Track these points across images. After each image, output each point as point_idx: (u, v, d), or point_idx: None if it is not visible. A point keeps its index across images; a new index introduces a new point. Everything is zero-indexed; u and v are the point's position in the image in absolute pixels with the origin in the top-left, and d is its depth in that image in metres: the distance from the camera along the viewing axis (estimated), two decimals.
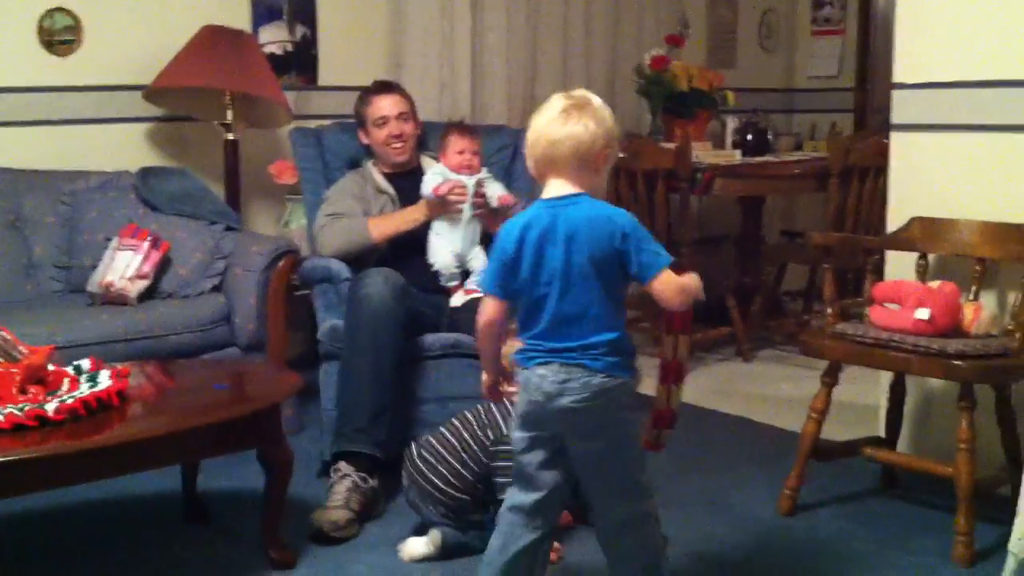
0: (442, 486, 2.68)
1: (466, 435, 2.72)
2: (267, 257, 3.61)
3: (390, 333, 3.03)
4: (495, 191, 3.43)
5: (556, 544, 2.64)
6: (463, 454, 2.70)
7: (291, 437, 2.87)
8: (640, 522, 2.22)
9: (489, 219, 3.39)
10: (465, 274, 3.42)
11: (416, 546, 2.71)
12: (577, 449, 2.18)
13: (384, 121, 3.56)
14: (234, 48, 4.06)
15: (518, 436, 2.23)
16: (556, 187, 2.18)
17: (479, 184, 3.41)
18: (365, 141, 3.65)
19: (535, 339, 2.17)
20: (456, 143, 3.45)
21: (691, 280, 2.16)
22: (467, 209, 3.38)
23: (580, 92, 2.23)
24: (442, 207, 3.37)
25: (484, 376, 2.36)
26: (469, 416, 2.75)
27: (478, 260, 3.40)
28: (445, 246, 3.38)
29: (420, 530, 2.77)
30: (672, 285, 2.13)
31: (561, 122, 2.15)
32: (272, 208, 4.52)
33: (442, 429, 2.76)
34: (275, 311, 3.63)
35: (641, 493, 2.22)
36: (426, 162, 3.63)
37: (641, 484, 2.22)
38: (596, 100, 2.20)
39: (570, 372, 2.13)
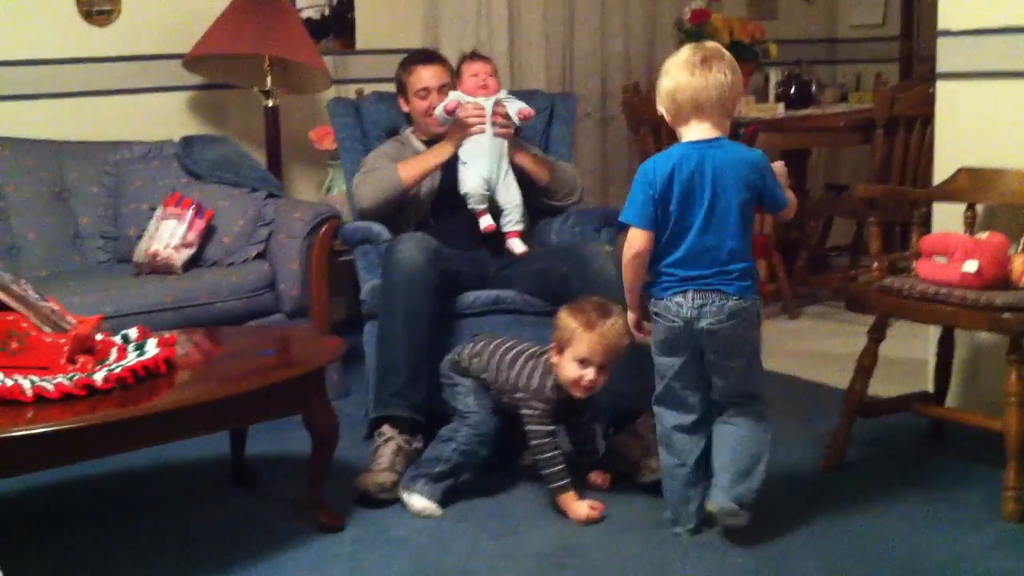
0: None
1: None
2: (309, 223, 3.63)
3: (424, 296, 3.03)
4: (514, 108, 3.38)
5: (605, 473, 2.88)
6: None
7: (337, 401, 2.90)
8: (756, 416, 2.55)
9: (512, 139, 3.38)
10: (494, 212, 3.37)
11: (426, 508, 2.77)
12: (714, 362, 2.50)
13: (426, 92, 3.53)
14: (271, 13, 4.05)
15: (664, 361, 2.55)
16: (699, 130, 2.48)
17: (498, 104, 3.37)
18: (405, 109, 3.63)
19: (671, 267, 2.49)
20: (470, 67, 3.43)
21: (793, 199, 2.61)
22: (489, 129, 3.33)
23: (712, 44, 2.54)
24: (462, 131, 3.33)
25: (630, 314, 2.63)
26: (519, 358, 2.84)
27: (510, 193, 3.36)
28: (473, 171, 3.32)
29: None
30: (793, 208, 2.60)
31: (705, 71, 2.44)
32: (313, 174, 4.53)
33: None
34: (318, 276, 3.65)
35: (760, 394, 2.57)
36: None
37: (761, 386, 2.57)
38: (726, 52, 2.50)
39: (705, 297, 2.46)
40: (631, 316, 2.64)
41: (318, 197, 4.38)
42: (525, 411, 2.77)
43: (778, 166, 2.61)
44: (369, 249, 3.41)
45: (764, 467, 2.55)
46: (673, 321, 2.49)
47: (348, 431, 2.94)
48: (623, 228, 3.58)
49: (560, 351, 2.73)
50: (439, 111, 3.38)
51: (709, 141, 2.46)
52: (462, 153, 3.36)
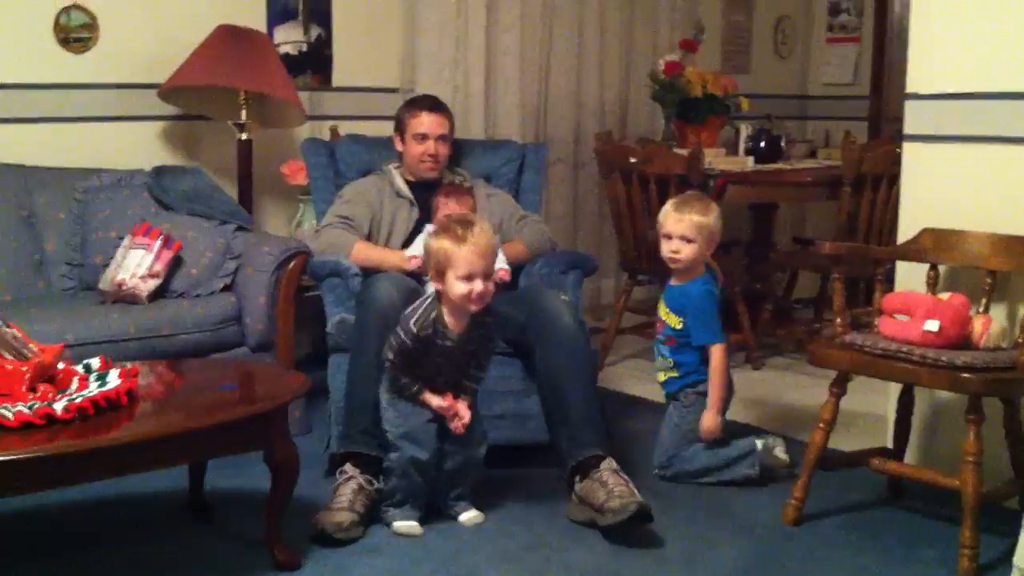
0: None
1: None
2: (278, 257, 3.62)
3: None
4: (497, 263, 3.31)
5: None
6: None
7: (298, 438, 2.88)
8: None
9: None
10: None
11: (406, 527, 2.86)
12: None
13: (424, 138, 3.60)
14: (249, 48, 4.07)
15: None
16: None
17: None
18: (399, 148, 3.69)
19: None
20: (443, 207, 3.42)
21: None
22: None
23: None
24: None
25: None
26: None
27: None
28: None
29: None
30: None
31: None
32: (285, 208, 4.53)
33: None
34: (285, 311, 3.64)
35: None
36: (447, 179, 3.66)
37: None
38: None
39: None
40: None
41: (288, 232, 4.38)
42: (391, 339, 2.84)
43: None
44: (337, 283, 3.41)
45: None
46: None
47: (308, 469, 2.92)
48: (589, 271, 3.66)
49: (441, 276, 2.78)
50: (411, 253, 3.38)
51: None
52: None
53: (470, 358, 2.92)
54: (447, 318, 2.83)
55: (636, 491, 2.86)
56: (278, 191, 4.47)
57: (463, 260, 2.74)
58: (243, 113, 4.12)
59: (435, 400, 2.86)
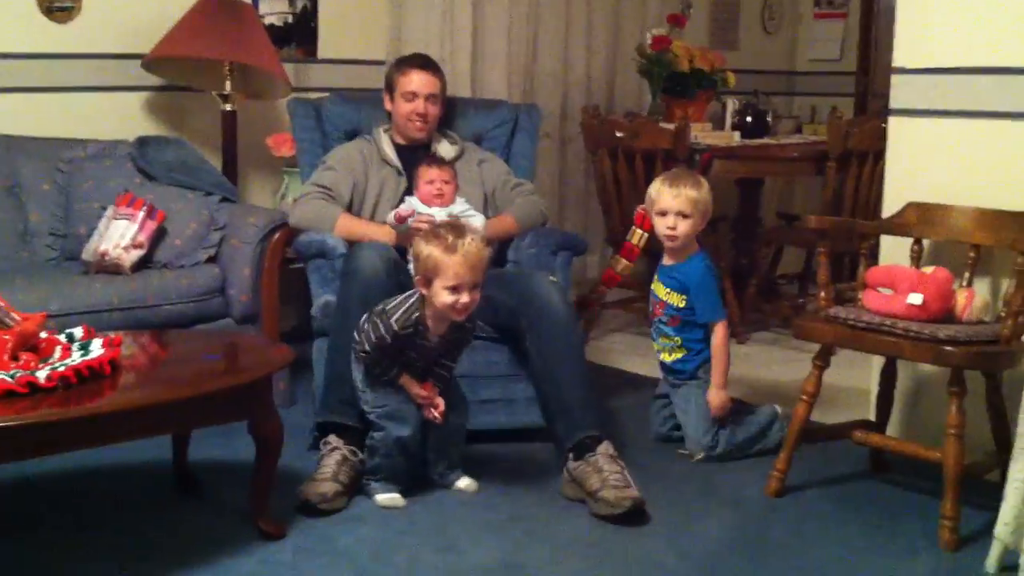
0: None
1: None
2: (263, 229, 3.61)
3: None
4: (477, 224, 3.28)
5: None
6: None
7: (283, 410, 2.88)
8: None
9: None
10: None
11: (388, 499, 2.87)
12: None
13: (413, 96, 3.54)
14: (234, 19, 4.04)
15: None
16: None
17: (452, 217, 3.26)
18: (388, 107, 3.63)
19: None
20: (425, 173, 3.37)
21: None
22: None
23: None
24: (408, 238, 3.16)
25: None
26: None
27: None
28: None
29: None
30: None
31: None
32: (269, 180, 4.51)
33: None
34: (269, 283, 3.63)
35: None
36: (437, 141, 3.61)
37: None
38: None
39: None
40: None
41: (273, 204, 4.36)
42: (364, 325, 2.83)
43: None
44: (322, 264, 3.37)
45: None
46: None
47: (293, 440, 2.92)
48: (579, 252, 3.64)
49: (428, 283, 2.75)
50: (390, 217, 3.32)
51: None
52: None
53: (444, 355, 2.92)
54: (429, 321, 2.81)
55: (631, 479, 2.86)
56: (263, 163, 4.45)
57: (451, 271, 2.71)
58: (228, 84, 4.09)
59: (414, 388, 2.87)
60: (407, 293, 2.85)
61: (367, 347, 2.82)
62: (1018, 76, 2.97)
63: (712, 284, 3.29)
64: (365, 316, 2.85)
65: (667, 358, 3.38)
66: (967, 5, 3.07)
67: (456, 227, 2.79)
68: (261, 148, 4.33)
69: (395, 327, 2.78)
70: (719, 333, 3.29)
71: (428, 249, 2.73)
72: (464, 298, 2.73)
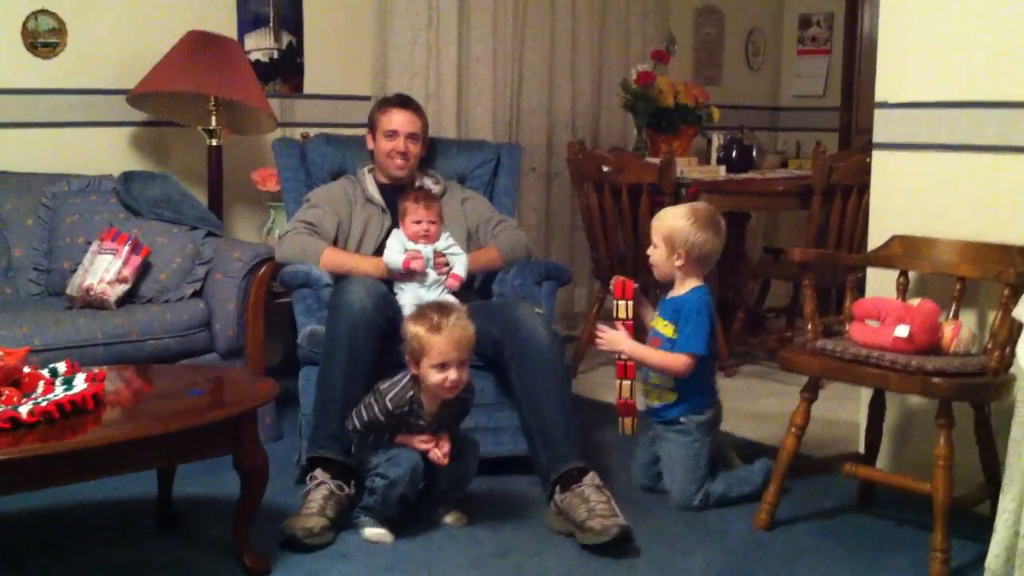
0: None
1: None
2: (248, 263, 3.60)
3: (368, 341, 3.02)
4: (460, 265, 3.37)
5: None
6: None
7: (269, 445, 2.86)
8: None
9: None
10: None
11: (376, 534, 2.84)
12: None
13: (393, 134, 3.57)
14: (219, 54, 4.05)
15: None
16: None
17: (438, 254, 3.36)
18: (370, 146, 3.66)
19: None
20: (412, 213, 3.38)
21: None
22: (431, 274, 3.33)
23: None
24: (400, 276, 3.33)
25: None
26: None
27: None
28: (409, 297, 3.30)
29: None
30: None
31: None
32: (255, 215, 4.51)
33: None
34: (255, 317, 3.61)
35: None
36: (419, 180, 3.64)
37: None
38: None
39: None
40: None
41: (259, 238, 4.35)
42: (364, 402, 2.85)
43: None
44: (308, 293, 3.38)
45: None
46: None
47: (279, 475, 2.90)
48: (563, 281, 3.63)
49: (417, 363, 2.78)
50: (394, 263, 3.31)
51: None
52: (397, 282, 3.36)
53: (443, 428, 2.90)
54: (423, 398, 2.83)
55: (617, 509, 2.85)
56: (248, 197, 4.44)
57: (437, 350, 2.74)
58: (213, 119, 4.10)
59: (412, 441, 2.86)
60: (400, 374, 2.86)
61: (358, 426, 2.84)
62: (999, 109, 2.99)
63: (703, 317, 3.16)
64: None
65: (652, 401, 3.27)
66: (946, 41, 3.10)
67: (442, 307, 2.83)
68: (246, 183, 4.32)
69: (389, 406, 2.80)
70: (682, 359, 3.11)
71: (414, 329, 2.77)
72: (452, 375, 2.75)
